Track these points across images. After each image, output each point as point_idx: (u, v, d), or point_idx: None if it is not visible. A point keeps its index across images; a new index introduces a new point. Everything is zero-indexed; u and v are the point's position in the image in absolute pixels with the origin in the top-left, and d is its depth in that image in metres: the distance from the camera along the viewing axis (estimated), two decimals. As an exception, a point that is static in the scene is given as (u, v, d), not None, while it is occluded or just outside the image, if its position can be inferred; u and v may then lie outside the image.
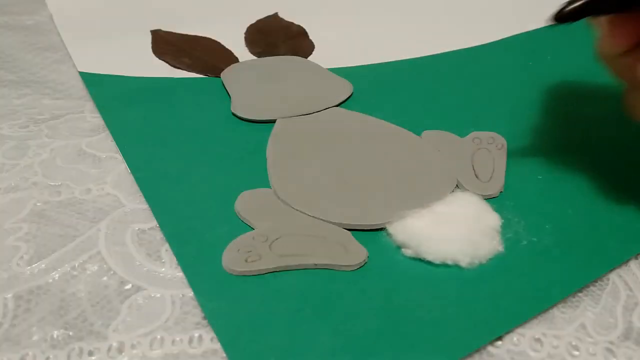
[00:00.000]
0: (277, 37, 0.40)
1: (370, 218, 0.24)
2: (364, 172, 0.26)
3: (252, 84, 0.33)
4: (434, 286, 0.21)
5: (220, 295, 0.21)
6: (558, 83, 0.33)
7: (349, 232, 0.23)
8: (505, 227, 0.24)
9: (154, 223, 0.24)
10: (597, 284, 0.22)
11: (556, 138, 0.29)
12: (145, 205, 0.25)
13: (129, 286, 0.21)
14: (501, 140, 0.29)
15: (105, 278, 0.21)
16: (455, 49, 0.39)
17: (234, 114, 0.31)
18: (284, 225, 0.23)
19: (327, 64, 0.36)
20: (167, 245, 0.23)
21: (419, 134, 0.29)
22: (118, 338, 0.19)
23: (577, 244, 0.23)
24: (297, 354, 0.19)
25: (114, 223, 0.24)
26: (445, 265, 0.22)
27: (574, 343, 0.20)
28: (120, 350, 0.19)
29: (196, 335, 0.20)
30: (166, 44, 0.38)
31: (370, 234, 0.23)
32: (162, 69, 0.35)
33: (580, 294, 0.21)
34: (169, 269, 0.22)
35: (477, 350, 0.19)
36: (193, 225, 0.24)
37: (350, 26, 0.42)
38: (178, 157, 0.28)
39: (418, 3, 0.46)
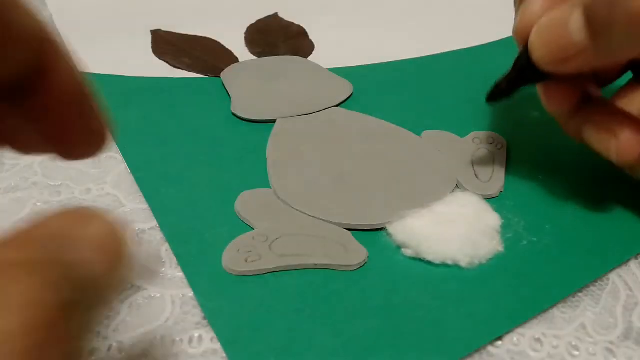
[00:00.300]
0: (277, 37, 0.40)
1: (371, 218, 0.24)
2: (364, 172, 0.26)
3: (252, 84, 0.33)
4: (434, 286, 0.21)
5: (220, 295, 0.21)
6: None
7: (349, 232, 0.23)
8: (505, 227, 0.24)
9: (154, 223, 0.24)
10: (597, 284, 0.22)
11: (556, 138, 0.29)
12: (145, 205, 0.25)
13: (129, 286, 0.21)
14: (501, 140, 0.29)
15: (105, 278, 0.21)
16: (455, 49, 0.39)
17: (234, 114, 0.31)
18: (284, 225, 0.23)
19: (327, 64, 0.36)
20: (167, 245, 0.23)
21: (419, 134, 0.29)
22: (118, 338, 0.19)
23: (577, 244, 0.23)
24: (297, 353, 0.19)
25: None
26: (445, 265, 0.22)
27: (574, 343, 0.20)
28: (120, 350, 0.19)
29: (196, 335, 0.20)
30: (166, 44, 0.38)
31: (370, 234, 0.23)
32: (162, 69, 0.35)
33: (580, 294, 0.21)
34: (169, 269, 0.22)
35: (477, 350, 0.19)
36: (193, 225, 0.24)
37: (350, 26, 0.42)
38: (178, 157, 0.28)
39: (418, 3, 0.46)
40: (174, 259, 0.22)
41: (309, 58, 0.37)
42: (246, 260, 0.21)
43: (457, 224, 0.23)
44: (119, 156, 0.28)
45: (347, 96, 0.33)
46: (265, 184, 0.26)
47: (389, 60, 0.37)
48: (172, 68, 0.36)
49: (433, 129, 0.29)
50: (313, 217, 0.24)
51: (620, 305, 0.21)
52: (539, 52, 0.21)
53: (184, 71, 0.35)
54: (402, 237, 0.23)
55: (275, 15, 0.43)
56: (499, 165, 0.27)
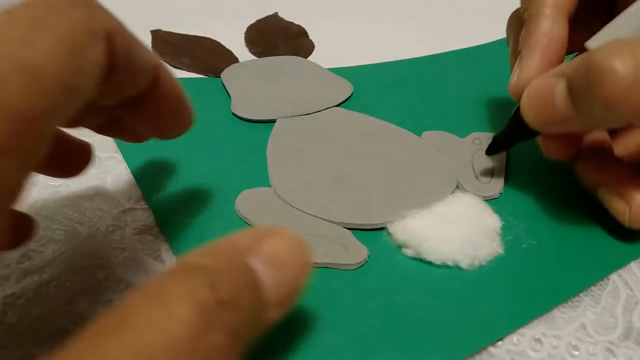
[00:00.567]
0: (277, 37, 0.40)
1: (371, 217, 0.24)
2: (364, 172, 0.26)
3: (252, 84, 0.33)
4: (434, 286, 0.21)
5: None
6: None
7: (349, 232, 0.23)
8: (505, 229, 0.24)
9: (154, 223, 0.24)
10: (597, 283, 0.22)
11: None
12: (145, 205, 0.25)
13: (129, 286, 0.21)
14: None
15: (104, 277, 0.21)
16: (455, 48, 0.39)
17: (234, 114, 0.31)
18: (285, 225, 0.23)
19: (327, 64, 0.36)
20: (167, 245, 0.23)
21: (419, 134, 0.29)
22: (118, 338, 0.19)
23: (576, 248, 0.23)
24: (297, 353, 0.19)
25: (114, 222, 0.24)
26: (445, 266, 0.22)
27: (574, 343, 0.20)
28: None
29: (196, 334, 0.20)
30: (166, 44, 0.38)
31: (371, 233, 0.23)
32: (162, 69, 0.35)
33: (580, 294, 0.21)
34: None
35: (477, 350, 0.19)
36: (193, 225, 0.24)
37: (350, 26, 0.42)
38: (178, 157, 0.27)
39: (418, 3, 0.46)
40: (174, 258, 0.22)
41: (309, 58, 0.37)
42: (246, 260, 0.21)
43: (457, 225, 0.23)
44: (119, 156, 0.28)
45: (347, 96, 0.33)
46: (265, 183, 0.26)
47: (389, 60, 0.37)
48: (172, 68, 0.36)
49: (433, 129, 0.29)
50: (313, 216, 0.24)
51: (620, 305, 0.21)
52: (528, 115, 0.22)
53: (184, 71, 0.35)
54: (402, 237, 0.23)
55: (275, 15, 0.43)
56: (499, 167, 0.27)
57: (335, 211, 0.24)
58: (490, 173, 0.26)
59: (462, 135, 0.29)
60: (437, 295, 0.21)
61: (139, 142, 0.23)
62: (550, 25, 0.23)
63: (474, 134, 0.29)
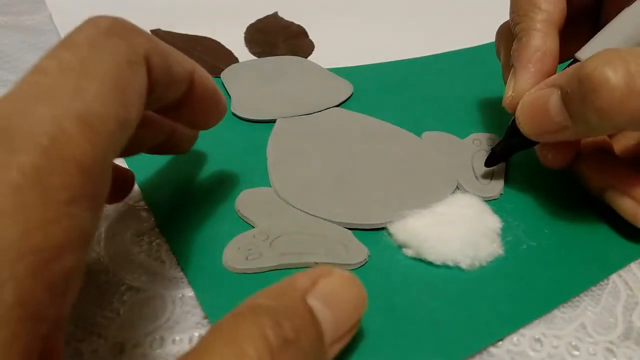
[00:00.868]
0: (277, 37, 0.40)
1: (371, 217, 0.24)
2: (364, 172, 0.26)
3: (252, 84, 0.33)
4: (435, 287, 0.21)
5: (221, 294, 0.21)
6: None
7: (349, 231, 0.23)
8: (505, 230, 0.24)
9: (154, 222, 0.24)
10: (597, 283, 0.22)
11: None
12: (145, 206, 0.25)
13: (129, 286, 0.21)
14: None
15: (105, 278, 0.21)
16: (455, 49, 0.39)
17: (234, 114, 0.31)
18: (285, 224, 0.23)
19: (327, 64, 0.36)
20: (167, 246, 0.23)
21: (419, 134, 0.29)
22: (118, 338, 0.19)
23: (576, 249, 0.23)
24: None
25: (114, 223, 0.24)
26: (445, 267, 0.22)
27: (574, 343, 0.20)
28: (120, 350, 0.19)
29: (196, 334, 0.20)
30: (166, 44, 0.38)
31: (371, 233, 0.23)
32: (162, 69, 0.35)
33: (580, 294, 0.21)
34: (169, 269, 0.22)
35: (478, 351, 0.19)
36: (193, 224, 0.24)
37: (350, 26, 0.42)
38: (178, 156, 0.27)
39: (418, 3, 0.46)
40: (174, 258, 0.22)
41: (309, 58, 0.37)
42: (247, 258, 0.21)
43: (458, 225, 0.23)
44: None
45: (347, 96, 0.33)
46: (266, 183, 0.26)
47: (389, 60, 0.37)
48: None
49: (433, 130, 0.29)
50: (314, 216, 0.24)
51: (620, 305, 0.21)
52: (525, 126, 0.23)
53: (184, 71, 0.35)
54: (403, 237, 0.23)
55: (275, 15, 0.43)
56: (499, 168, 0.27)
57: (335, 211, 0.24)
58: (490, 174, 0.26)
59: (462, 135, 0.29)
60: (438, 295, 0.21)
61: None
62: (543, 40, 0.23)
63: (474, 135, 0.29)
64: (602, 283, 0.22)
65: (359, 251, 0.22)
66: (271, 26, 0.41)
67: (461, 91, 0.34)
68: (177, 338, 0.19)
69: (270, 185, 0.26)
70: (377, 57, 0.37)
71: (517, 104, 0.23)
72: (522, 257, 0.23)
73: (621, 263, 0.23)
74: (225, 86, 0.33)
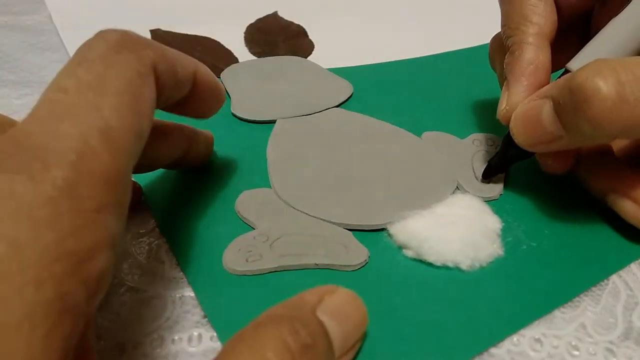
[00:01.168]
0: (277, 37, 0.40)
1: (371, 218, 0.24)
2: (364, 173, 0.26)
3: (252, 84, 0.33)
4: (435, 288, 0.21)
5: (221, 295, 0.21)
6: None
7: (349, 232, 0.23)
8: (505, 231, 0.24)
9: (154, 223, 0.24)
10: (597, 284, 0.22)
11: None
12: (145, 207, 0.25)
13: (129, 286, 0.21)
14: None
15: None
16: (455, 48, 0.39)
17: (233, 114, 0.31)
18: (285, 225, 0.23)
19: (327, 64, 0.36)
20: (167, 247, 0.23)
21: (419, 134, 0.29)
22: (118, 338, 0.19)
23: (576, 250, 0.23)
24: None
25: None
26: (446, 267, 0.22)
27: (574, 343, 0.20)
28: (120, 350, 0.19)
29: (196, 334, 0.20)
30: (165, 44, 0.38)
31: (371, 234, 0.23)
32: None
33: (580, 294, 0.21)
34: (169, 269, 0.22)
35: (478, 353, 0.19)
36: (193, 225, 0.24)
37: (350, 26, 0.42)
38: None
39: (418, 3, 0.46)
40: (174, 259, 0.22)
41: (309, 58, 0.37)
42: (247, 260, 0.21)
43: (458, 226, 0.23)
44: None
45: (347, 96, 0.33)
46: (266, 184, 0.26)
47: (389, 60, 0.37)
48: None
49: (433, 130, 0.29)
50: (314, 217, 0.24)
51: (620, 305, 0.21)
52: (519, 138, 0.23)
53: (184, 71, 0.35)
54: (403, 238, 0.23)
55: (275, 14, 0.43)
56: (499, 167, 0.27)
57: (335, 212, 0.24)
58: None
59: (462, 136, 0.29)
60: (438, 296, 0.21)
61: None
62: (535, 54, 0.24)
63: (474, 135, 0.29)
64: (602, 283, 0.22)
65: (359, 252, 0.22)
66: (271, 26, 0.41)
67: (461, 91, 0.34)
68: (177, 337, 0.19)
69: (270, 186, 0.26)
70: (377, 57, 0.37)
71: (510, 115, 0.24)
72: (522, 258, 0.23)
73: (621, 263, 0.23)
74: (225, 86, 0.33)
